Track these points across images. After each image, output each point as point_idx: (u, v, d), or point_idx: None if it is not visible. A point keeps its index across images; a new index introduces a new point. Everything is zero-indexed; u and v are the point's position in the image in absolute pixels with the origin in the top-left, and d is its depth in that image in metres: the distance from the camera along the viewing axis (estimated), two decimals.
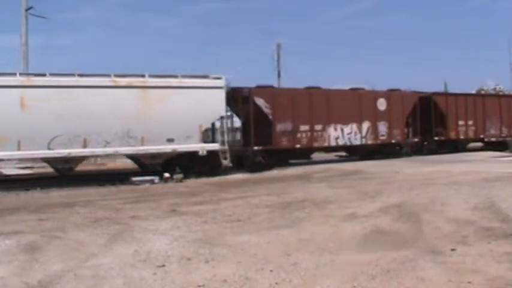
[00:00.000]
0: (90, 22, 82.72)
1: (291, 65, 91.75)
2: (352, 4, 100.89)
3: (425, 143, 25.53)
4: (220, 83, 18.51)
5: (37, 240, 7.73)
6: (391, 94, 23.96)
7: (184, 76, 17.85)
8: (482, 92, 36.21)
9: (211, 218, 9.27)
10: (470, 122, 27.00)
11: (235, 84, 20.89)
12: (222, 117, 18.96)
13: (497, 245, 6.66)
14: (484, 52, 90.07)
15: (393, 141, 23.60)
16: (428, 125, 25.54)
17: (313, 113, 21.07)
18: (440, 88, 29.73)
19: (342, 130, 22.05)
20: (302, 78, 71.23)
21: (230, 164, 18.87)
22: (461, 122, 26.65)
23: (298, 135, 20.79)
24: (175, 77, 17.73)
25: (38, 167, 21.97)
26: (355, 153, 23.91)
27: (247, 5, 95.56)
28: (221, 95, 18.40)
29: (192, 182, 16.96)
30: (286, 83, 45.19)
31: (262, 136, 19.97)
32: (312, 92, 21.73)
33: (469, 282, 5.15)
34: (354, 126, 22.41)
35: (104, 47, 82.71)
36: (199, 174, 18.30)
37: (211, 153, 18.22)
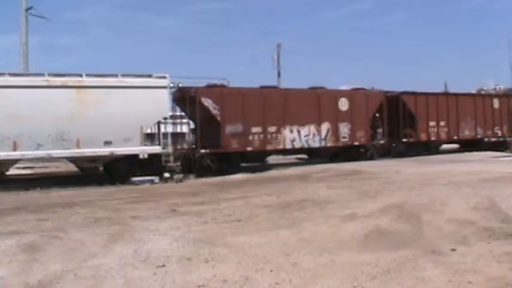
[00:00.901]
0: (90, 22, 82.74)
1: (291, 65, 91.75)
2: (353, 4, 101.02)
3: (394, 145, 24.48)
4: (164, 82, 17.64)
5: (37, 240, 7.73)
6: (354, 93, 22.88)
7: (125, 75, 17.09)
8: (482, 92, 36.05)
9: (212, 218, 9.27)
10: (442, 123, 25.86)
11: (236, 84, 21.02)
12: (165, 119, 18.25)
13: (497, 245, 6.66)
14: (484, 52, 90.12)
15: (356, 143, 22.44)
16: (397, 127, 24.40)
17: (267, 113, 19.96)
18: (440, 88, 29.46)
19: (299, 132, 20.89)
20: (302, 78, 71.22)
21: (176, 169, 17.95)
22: (432, 123, 25.51)
23: (250, 137, 19.67)
24: (115, 76, 16.98)
25: (38, 167, 22.00)
26: (316, 155, 22.75)
27: (247, 5, 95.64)
28: (164, 95, 17.64)
29: (192, 182, 16.96)
30: (286, 83, 45.18)
31: (212, 139, 19.10)
32: (265, 91, 20.71)
33: (469, 282, 5.15)
34: (312, 127, 21.26)
35: (104, 47, 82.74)
36: (199, 174, 18.30)
37: (154, 157, 17.35)
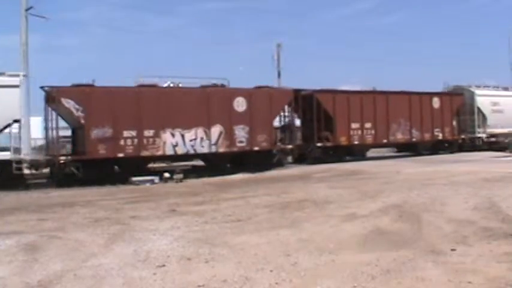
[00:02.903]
0: (90, 22, 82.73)
1: (291, 65, 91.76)
2: (353, 4, 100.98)
3: (309, 149, 22.13)
4: (16, 81, 15.99)
5: (37, 240, 7.73)
6: (253, 92, 20.18)
7: None
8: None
9: (211, 218, 9.27)
10: (368, 125, 23.34)
11: (236, 84, 20.79)
12: (17, 121, 15.89)
13: (497, 245, 6.66)
14: (484, 52, 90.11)
15: (256, 148, 19.75)
16: (318, 129, 22.15)
17: (144, 115, 17.71)
18: (439, 88, 28.50)
19: (183, 136, 18.48)
20: (302, 78, 71.22)
21: (31, 176, 16.84)
22: (355, 125, 22.98)
23: (121, 142, 17.39)
24: None
25: None
26: (212, 162, 19.99)
27: (247, 5, 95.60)
28: (16, 95, 15.77)
29: (192, 182, 16.96)
30: (287, 83, 45.16)
31: (79, 144, 17.63)
32: (141, 90, 18.37)
33: (469, 282, 5.15)
34: (200, 131, 18.79)
35: (104, 47, 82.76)
36: (199, 174, 18.31)
37: (4, 164, 15.58)
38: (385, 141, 24.38)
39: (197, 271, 5.86)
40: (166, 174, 17.54)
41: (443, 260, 6.00)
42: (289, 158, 22.24)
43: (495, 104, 28.57)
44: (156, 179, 17.03)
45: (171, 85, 19.66)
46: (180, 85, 19.72)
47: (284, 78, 43.86)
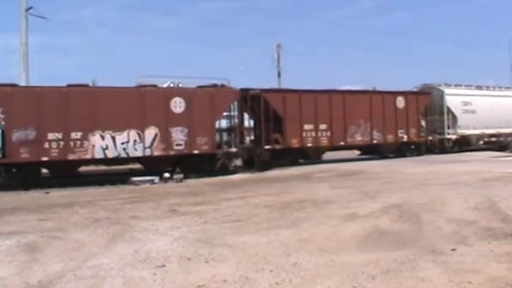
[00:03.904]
0: (90, 22, 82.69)
1: (291, 65, 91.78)
2: (353, 4, 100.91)
3: (259, 152, 20.65)
4: None
5: (37, 240, 7.74)
6: (193, 92, 19.07)
7: None
8: None
9: (211, 218, 9.27)
10: (323, 126, 21.93)
11: (236, 84, 20.69)
12: None
13: (497, 245, 6.66)
14: (484, 52, 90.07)
15: (196, 151, 18.56)
16: (265, 131, 20.86)
17: (71, 117, 16.71)
18: None
19: (114, 138, 17.40)
20: (302, 78, 71.21)
21: None
22: (308, 126, 21.54)
23: (46, 145, 16.38)
24: None
25: None
26: (152, 166, 18.50)
27: (247, 5, 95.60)
28: None
29: (192, 182, 16.96)
30: (287, 83, 45.21)
31: (3, 147, 16.45)
32: (68, 91, 17.28)
33: (469, 282, 5.15)
34: (133, 133, 17.66)
35: (104, 47, 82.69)
36: (199, 174, 18.30)
37: None
38: (342, 143, 22.85)
39: (197, 271, 5.86)
40: (166, 175, 17.54)
41: (444, 260, 6.00)
42: (238, 162, 20.80)
43: (467, 103, 27.33)
44: (156, 179, 17.03)
45: (171, 85, 19.57)
46: (180, 85, 19.68)
47: (284, 78, 43.95)
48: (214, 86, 19.52)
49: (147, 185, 16.43)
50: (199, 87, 19.56)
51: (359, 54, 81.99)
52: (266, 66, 65.97)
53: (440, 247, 6.59)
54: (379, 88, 25.12)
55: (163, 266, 6.11)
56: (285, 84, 39.26)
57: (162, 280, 5.54)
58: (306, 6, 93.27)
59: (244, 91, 20.65)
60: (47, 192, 14.81)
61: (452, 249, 6.45)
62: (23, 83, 23.25)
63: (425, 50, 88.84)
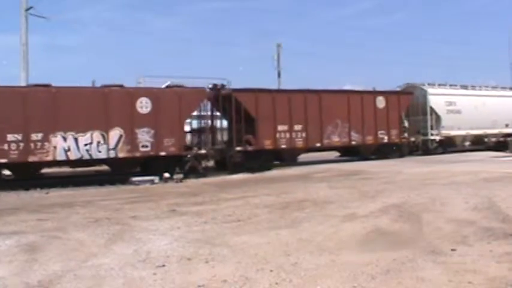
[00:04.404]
0: (90, 22, 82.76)
1: (291, 65, 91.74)
2: (352, 4, 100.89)
3: (230, 154, 20.10)
4: None
5: (37, 240, 7.74)
6: (160, 92, 18.60)
7: None
8: None
9: (211, 218, 9.27)
10: (298, 127, 21.19)
11: (236, 84, 20.73)
12: None
13: (497, 245, 6.66)
14: (484, 52, 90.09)
15: (163, 153, 18.00)
16: (239, 132, 20.30)
17: (31, 117, 16.22)
18: None
19: (76, 140, 16.91)
20: (302, 78, 71.23)
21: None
22: (282, 127, 20.79)
23: (5, 146, 15.97)
24: None
25: None
26: (116, 167, 18.35)
27: (247, 5, 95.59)
28: None
29: (192, 182, 16.97)
30: (287, 83, 45.20)
31: None
32: (27, 90, 17.08)
33: (469, 282, 5.15)
34: (96, 134, 17.14)
35: (104, 47, 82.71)
36: (199, 174, 18.30)
37: None
38: (318, 144, 22.00)
39: (197, 271, 5.87)
40: (166, 175, 17.56)
41: (443, 260, 6.00)
42: (210, 164, 20.28)
43: (451, 103, 26.58)
44: (156, 179, 17.05)
45: (171, 85, 19.59)
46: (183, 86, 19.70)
47: (284, 78, 43.96)
48: (182, 86, 19.01)
49: (147, 185, 16.44)
50: (168, 86, 19.21)
51: (359, 54, 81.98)
52: (266, 66, 65.96)
53: (440, 247, 6.59)
54: (379, 88, 24.95)
55: (163, 266, 6.11)
56: (285, 85, 39.32)
57: (162, 280, 5.54)
58: (306, 6, 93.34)
59: (217, 91, 20.28)
60: (47, 193, 14.82)
61: (452, 249, 6.45)
62: (23, 83, 23.27)
63: (425, 50, 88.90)
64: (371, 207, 9.88)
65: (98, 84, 18.17)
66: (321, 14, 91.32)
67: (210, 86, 20.39)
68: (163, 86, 19.79)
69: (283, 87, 34.04)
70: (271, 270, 5.77)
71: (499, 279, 5.26)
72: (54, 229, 8.68)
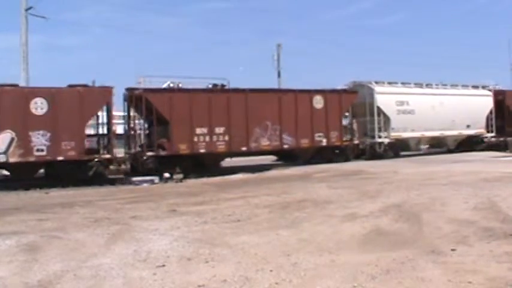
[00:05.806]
0: (91, 22, 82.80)
1: (291, 65, 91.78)
2: (353, 4, 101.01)
3: (142, 160, 18.57)
4: None
5: (37, 240, 7.74)
6: (57, 92, 17.08)
7: None
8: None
9: (211, 218, 9.27)
10: (219, 130, 19.48)
11: (236, 84, 20.67)
12: None
13: (497, 245, 6.65)
14: (484, 52, 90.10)
15: (61, 158, 16.67)
16: (151, 136, 19.24)
17: None
18: None
19: None
20: (302, 78, 71.24)
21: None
22: (201, 130, 19.11)
23: None
24: None
25: None
26: (17, 173, 17.20)
27: (247, 5, 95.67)
28: None
29: (192, 182, 16.98)
30: (287, 83, 45.14)
31: None
32: None
33: (469, 282, 5.15)
34: None
35: (105, 47, 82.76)
36: (199, 174, 18.30)
37: None
38: (244, 148, 20.17)
39: (197, 271, 5.86)
40: (166, 175, 17.57)
41: (443, 260, 6.00)
42: (125, 168, 18.85)
43: (403, 103, 24.56)
44: (156, 179, 17.06)
45: (171, 85, 19.48)
46: (180, 85, 19.63)
47: (284, 78, 43.93)
48: (85, 85, 17.67)
49: (147, 185, 16.45)
50: (70, 86, 17.63)
51: (359, 54, 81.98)
52: (266, 66, 65.97)
53: (440, 247, 6.59)
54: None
55: (163, 266, 6.10)
56: (285, 85, 39.26)
57: (162, 280, 5.54)
58: (305, 6, 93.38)
59: (130, 91, 18.99)
60: (46, 193, 14.82)
61: (452, 249, 6.44)
62: (23, 83, 23.25)
63: (425, 50, 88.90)
64: (371, 207, 9.88)
65: (97, 84, 18.15)
66: (321, 14, 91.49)
67: (210, 85, 20.40)
68: (163, 85, 19.67)
69: (283, 87, 34.00)
70: (271, 270, 5.77)
71: (499, 279, 5.25)
72: (54, 229, 8.67)
